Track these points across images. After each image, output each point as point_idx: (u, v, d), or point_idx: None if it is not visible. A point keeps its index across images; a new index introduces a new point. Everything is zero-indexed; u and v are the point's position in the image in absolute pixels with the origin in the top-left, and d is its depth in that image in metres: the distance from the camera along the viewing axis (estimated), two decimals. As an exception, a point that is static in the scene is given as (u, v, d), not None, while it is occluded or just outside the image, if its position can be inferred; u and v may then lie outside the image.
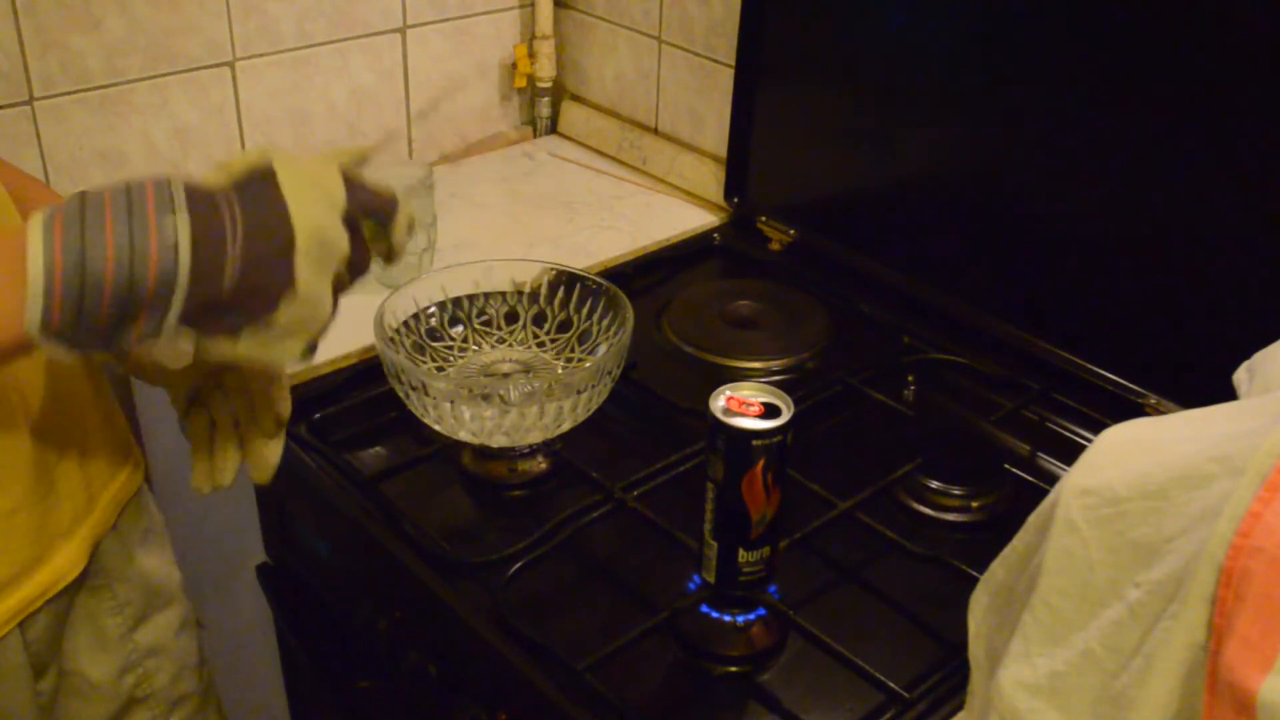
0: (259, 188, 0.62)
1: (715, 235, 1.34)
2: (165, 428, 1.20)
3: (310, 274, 0.63)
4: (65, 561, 0.78)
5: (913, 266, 1.18)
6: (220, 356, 0.64)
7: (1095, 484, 0.59)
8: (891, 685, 0.77)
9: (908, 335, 1.15)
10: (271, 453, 0.79)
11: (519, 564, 0.86)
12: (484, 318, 1.05)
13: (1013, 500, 0.93)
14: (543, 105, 1.56)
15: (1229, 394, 0.68)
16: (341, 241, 0.64)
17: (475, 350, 1.04)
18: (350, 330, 1.12)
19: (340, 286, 0.67)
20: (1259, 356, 0.69)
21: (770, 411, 0.74)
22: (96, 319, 0.58)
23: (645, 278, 1.26)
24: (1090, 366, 1.05)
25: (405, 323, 1.00)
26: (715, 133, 1.38)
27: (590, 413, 0.94)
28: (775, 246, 1.31)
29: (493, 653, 0.81)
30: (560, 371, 1.02)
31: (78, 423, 0.80)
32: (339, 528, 0.98)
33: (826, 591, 0.87)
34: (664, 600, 0.84)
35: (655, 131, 1.47)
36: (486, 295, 1.04)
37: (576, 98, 1.57)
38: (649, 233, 1.33)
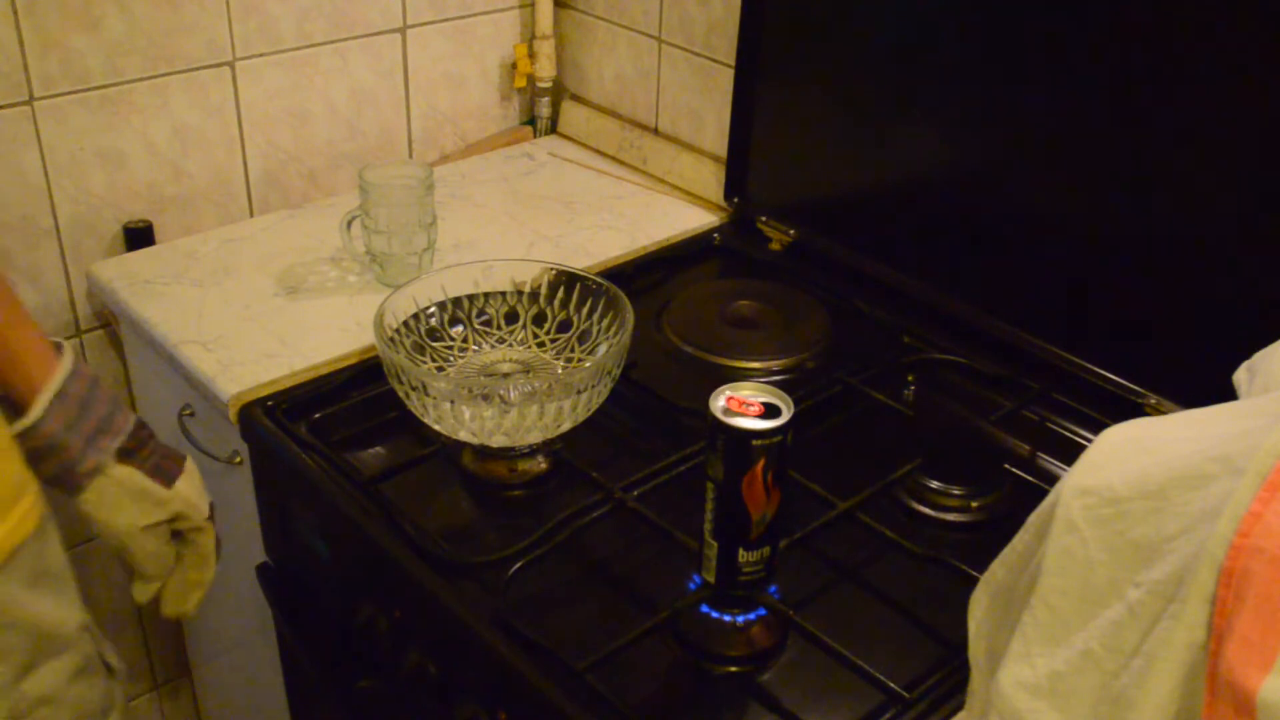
0: None
1: (715, 235, 1.34)
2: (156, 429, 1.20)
3: None
4: None
5: (912, 266, 1.18)
6: None
7: (1095, 484, 0.59)
8: (891, 685, 0.77)
9: (908, 335, 1.14)
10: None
11: (519, 564, 0.86)
12: (484, 318, 1.05)
13: (1013, 500, 0.93)
14: (543, 105, 1.56)
15: (1229, 394, 0.68)
16: None
17: (475, 350, 1.04)
18: (350, 330, 1.12)
19: None
20: (1259, 356, 0.69)
21: (770, 411, 0.74)
22: None
23: (645, 278, 1.25)
24: (1090, 366, 1.05)
25: (405, 323, 1.00)
26: (715, 133, 1.38)
27: (590, 413, 0.94)
28: (775, 246, 1.31)
29: (493, 653, 0.81)
30: (560, 371, 1.02)
31: None
32: (339, 528, 0.98)
33: (826, 591, 0.87)
34: (664, 600, 0.83)
35: (655, 131, 1.47)
36: (486, 295, 1.04)
37: (576, 98, 1.57)
38: (649, 233, 1.33)
